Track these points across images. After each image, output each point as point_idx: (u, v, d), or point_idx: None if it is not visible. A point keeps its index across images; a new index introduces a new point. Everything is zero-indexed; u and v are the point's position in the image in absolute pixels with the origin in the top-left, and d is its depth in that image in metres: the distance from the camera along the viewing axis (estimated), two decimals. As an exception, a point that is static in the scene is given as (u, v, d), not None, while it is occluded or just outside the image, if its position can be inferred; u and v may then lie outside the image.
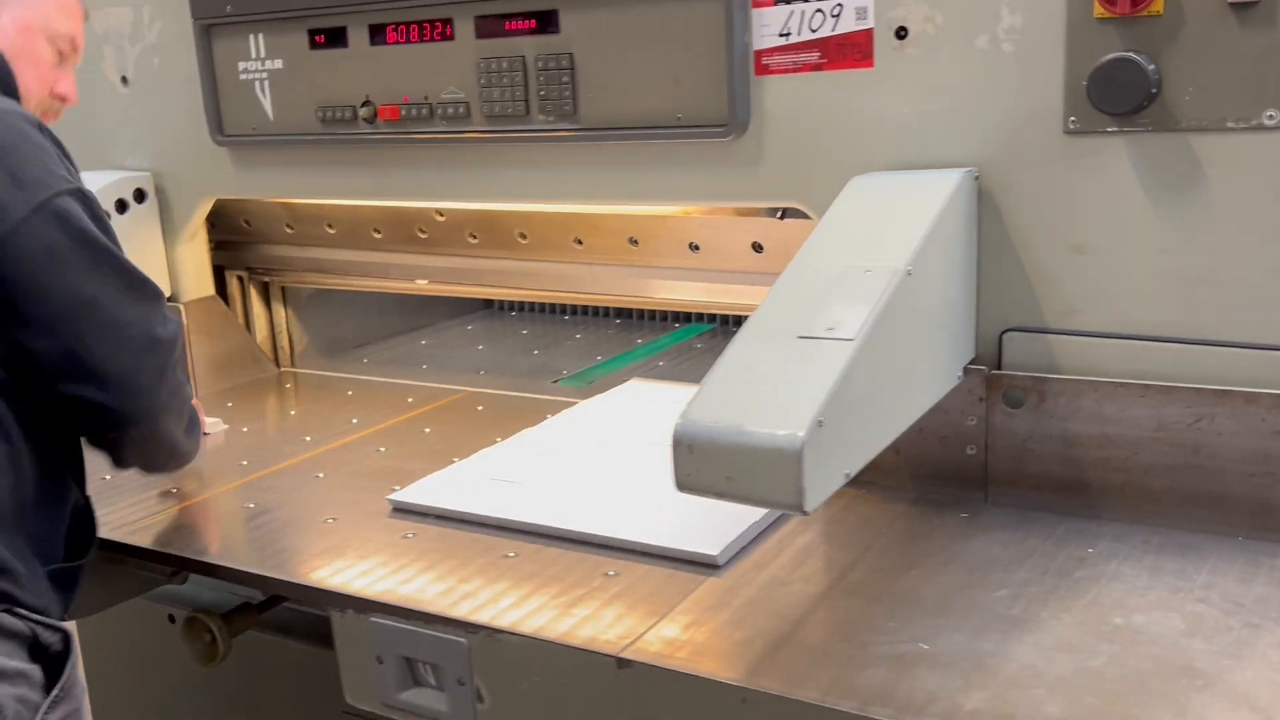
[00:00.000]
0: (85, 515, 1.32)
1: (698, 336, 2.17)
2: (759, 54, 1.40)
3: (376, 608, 1.18)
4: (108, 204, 1.87)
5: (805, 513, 0.95)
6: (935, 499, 1.35)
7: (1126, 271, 1.25)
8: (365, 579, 1.23)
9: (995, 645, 1.03)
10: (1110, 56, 1.19)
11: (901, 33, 1.31)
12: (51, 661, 1.18)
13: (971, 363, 1.33)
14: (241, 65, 1.78)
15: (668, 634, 1.08)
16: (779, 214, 1.52)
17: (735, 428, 0.97)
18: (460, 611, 1.15)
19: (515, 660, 1.11)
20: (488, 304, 2.54)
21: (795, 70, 1.39)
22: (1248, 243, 1.19)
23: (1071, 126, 1.25)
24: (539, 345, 2.22)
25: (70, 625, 1.21)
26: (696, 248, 1.63)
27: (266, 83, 1.77)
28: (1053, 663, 1.00)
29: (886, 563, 1.21)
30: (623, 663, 1.05)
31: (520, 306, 2.50)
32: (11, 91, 1.35)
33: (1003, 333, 1.33)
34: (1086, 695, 0.95)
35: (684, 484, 1.00)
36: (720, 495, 0.98)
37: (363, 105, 1.68)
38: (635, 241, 1.68)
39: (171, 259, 1.97)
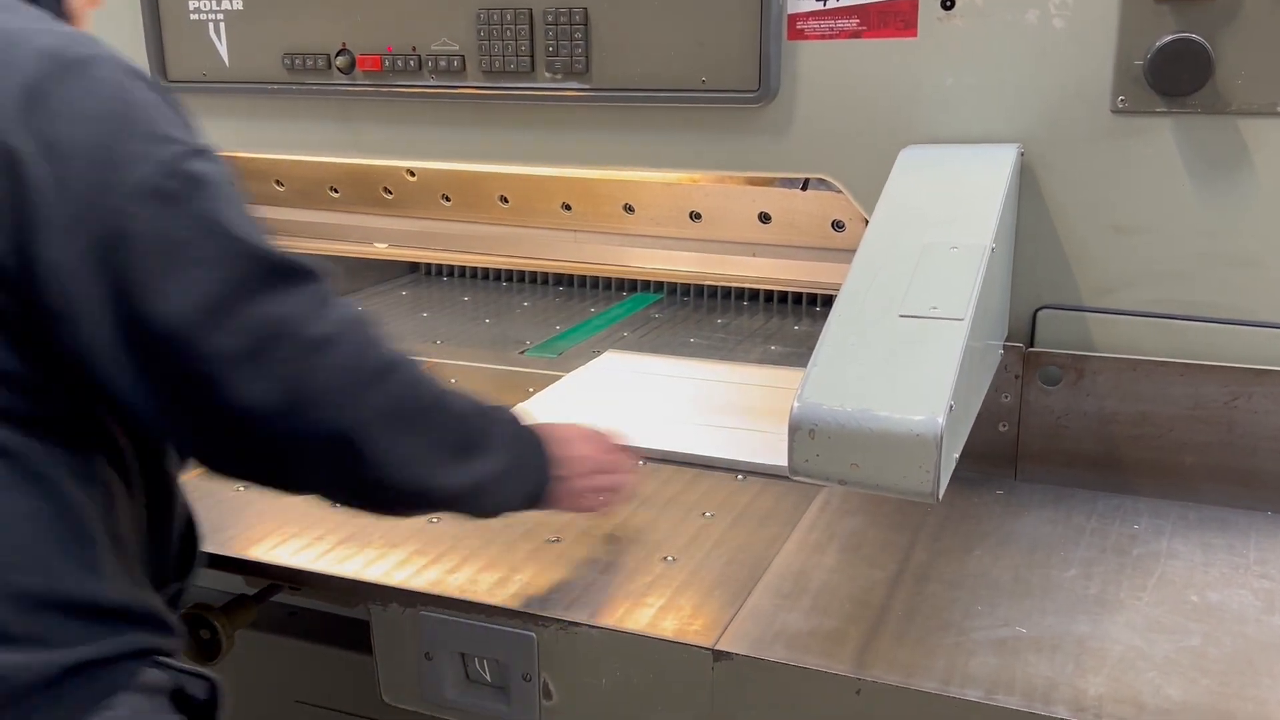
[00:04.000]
0: (189, 524, 1.11)
1: (653, 305, 2.11)
2: (793, 18, 1.35)
3: (427, 600, 1.10)
4: (28, 152, 1.68)
5: (936, 501, 0.92)
6: (966, 476, 1.34)
7: (1167, 252, 1.27)
8: (405, 569, 1.14)
9: (1090, 627, 1.03)
10: (1171, 37, 1.19)
11: (948, 3, 1.29)
12: (198, 713, 1.00)
13: (1006, 340, 1.33)
14: (193, 4, 1.62)
15: (751, 624, 1.04)
16: (802, 185, 1.48)
17: (864, 412, 0.93)
18: (527, 605, 1.08)
19: (591, 655, 1.05)
20: (414, 268, 2.42)
21: (832, 36, 1.34)
22: (1291, 226, 1.22)
23: (1120, 105, 1.25)
24: (486, 314, 2.13)
25: (214, 674, 1.02)
26: (698, 216, 1.58)
27: (222, 24, 1.61)
28: (1153, 644, 1.01)
29: (944, 544, 1.20)
30: (719, 655, 1.00)
31: (451, 271, 2.39)
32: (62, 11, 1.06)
33: (1037, 310, 1.33)
34: (1199, 676, 0.96)
35: (801, 469, 0.95)
36: (842, 482, 0.94)
37: (339, 54, 1.55)
38: (631, 209, 1.61)
39: (96, 215, 1.79)
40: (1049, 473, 1.34)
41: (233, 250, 0.87)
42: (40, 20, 0.94)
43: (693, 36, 1.38)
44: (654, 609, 1.07)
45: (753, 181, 1.50)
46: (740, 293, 1.90)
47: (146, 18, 1.63)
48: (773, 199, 1.49)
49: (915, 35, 1.31)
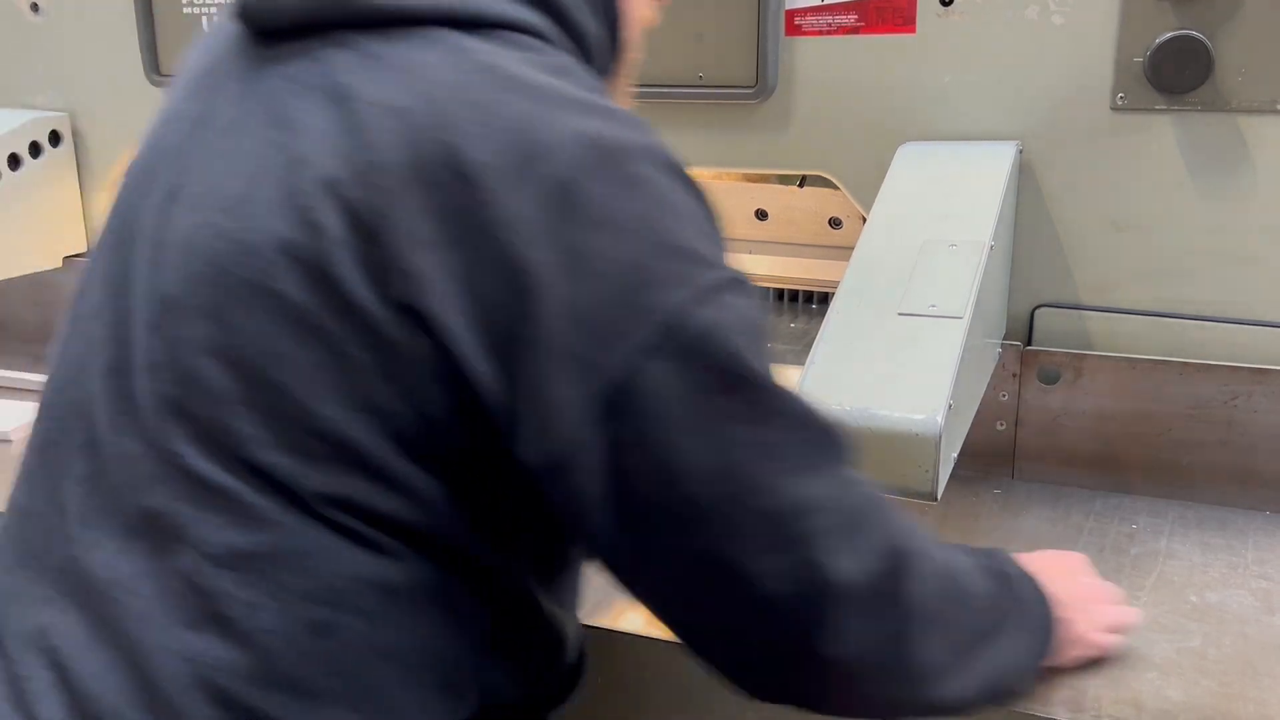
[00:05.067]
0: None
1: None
2: (791, 13, 1.35)
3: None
4: (19, 147, 1.67)
5: (935, 500, 0.91)
6: (962, 474, 1.34)
7: (1166, 250, 1.26)
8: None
9: (1089, 627, 1.03)
10: (1171, 34, 1.19)
11: (947, -1, 1.28)
12: None
13: (1004, 338, 1.32)
14: (186, -2, 1.61)
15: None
16: (799, 182, 1.47)
17: (863, 410, 0.92)
18: (519, 603, 1.07)
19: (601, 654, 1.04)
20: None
21: (830, 32, 1.34)
22: (1291, 224, 1.22)
23: (1120, 103, 1.24)
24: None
25: None
26: (694, 213, 1.57)
27: (215, 18, 1.60)
28: (1153, 645, 1.00)
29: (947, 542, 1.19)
30: (715, 656, 0.99)
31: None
32: (605, 52, 0.86)
33: (1035, 308, 1.32)
34: (1199, 678, 0.95)
35: (799, 468, 0.94)
36: (841, 480, 0.93)
37: (333, 48, 1.54)
38: (627, 205, 1.61)
39: (88, 209, 1.78)
40: (1047, 471, 1.33)
41: (767, 406, 0.70)
42: (578, 83, 0.75)
43: (690, 32, 1.38)
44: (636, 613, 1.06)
45: (749, 178, 1.49)
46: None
47: (139, 12, 1.62)
48: (769, 196, 1.48)
49: (914, 32, 1.30)
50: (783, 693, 0.76)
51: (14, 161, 1.67)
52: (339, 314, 0.70)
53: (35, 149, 1.69)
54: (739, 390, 0.69)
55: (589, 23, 0.83)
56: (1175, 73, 1.19)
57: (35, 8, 1.71)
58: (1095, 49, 1.24)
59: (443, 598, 0.75)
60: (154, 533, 0.73)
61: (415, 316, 0.68)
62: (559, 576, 0.85)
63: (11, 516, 0.82)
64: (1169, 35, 1.19)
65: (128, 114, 1.70)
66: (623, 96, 0.92)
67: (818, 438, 0.72)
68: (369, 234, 0.69)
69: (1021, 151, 1.27)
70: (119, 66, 1.67)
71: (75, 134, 1.74)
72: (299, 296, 0.70)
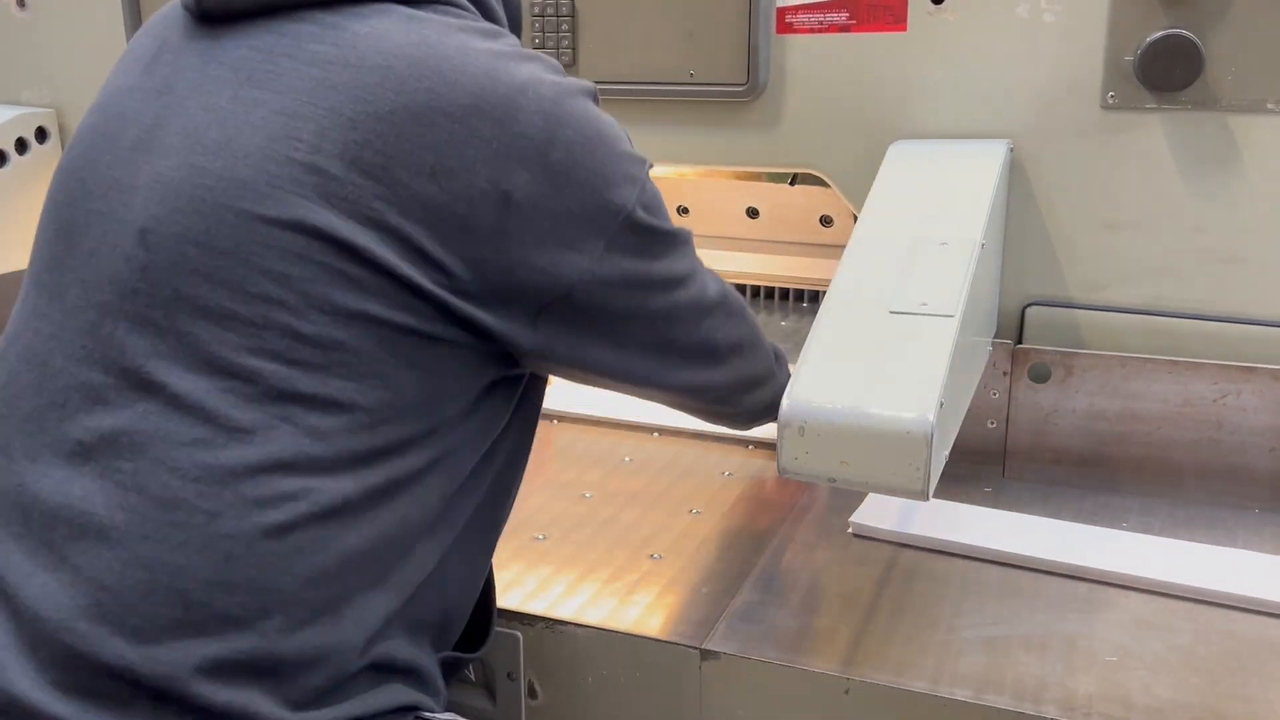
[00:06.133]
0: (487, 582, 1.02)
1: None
2: (781, 11, 1.34)
3: (411, 600, 1.09)
4: (5, 144, 1.66)
5: (926, 499, 0.91)
6: (953, 473, 1.32)
7: (1157, 248, 1.26)
8: (389, 568, 1.13)
9: (1079, 626, 1.03)
10: (1162, 33, 1.19)
11: (938, -3, 1.28)
12: None
13: (995, 336, 1.32)
14: (174, -7, 1.59)
15: (740, 623, 1.03)
16: (790, 180, 1.47)
17: (854, 409, 0.92)
18: (509, 602, 1.07)
19: (577, 654, 1.04)
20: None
21: (821, 30, 1.34)
22: (1280, 223, 1.22)
23: (1110, 101, 1.24)
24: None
25: None
26: (685, 211, 1.56)
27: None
28: (1142, 643, 1.00)
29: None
30: (707, 654, 0.99)
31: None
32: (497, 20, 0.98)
33: (1026, 306, 1.33)
34: (1188, 675, 0.95)
35: (790, 469, 0.94)
36: (832, 481, 0.93)
37: (322, 45, 1.53)
38: (617, 203, 1.60)
39: (75, 207, 1.77)
40: (1037, 470, 1.33)
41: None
42: (508, 42, 0.89)
43: (681, 29, 1.37)
44: (641, 607, 1.06)
45: (740, 176, 1.49)
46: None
47: (125, 7, 1.61)
48: (760, 194, 1.48)
49: (905, 29, 1.30)
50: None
51: (0, 158, 1.66)
52: (329, 239, 0.79)
53: (22, 145, 1.68)
54: (662, 238, 0.93)
55: (496, 5, 0.98)
56: (1165, 71, 1.19)
57: (21, 4, 1.70)
58: (1086, 47, 1.24)
59: (402, 502, 0.83)
60: (107, 455, 0.79)
61: (412, 244, 0.80)
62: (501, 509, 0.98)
63: None
64: (1159, 34, 1.19)
65: (115, 110, 1.69)
66: None
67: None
68: (367, 172, 0.79)
69: (1012, 150, 1.27)
70: (105, 62, 1.64)
71: (62, 130, 1.73)
72: (294, 222, 0.79)
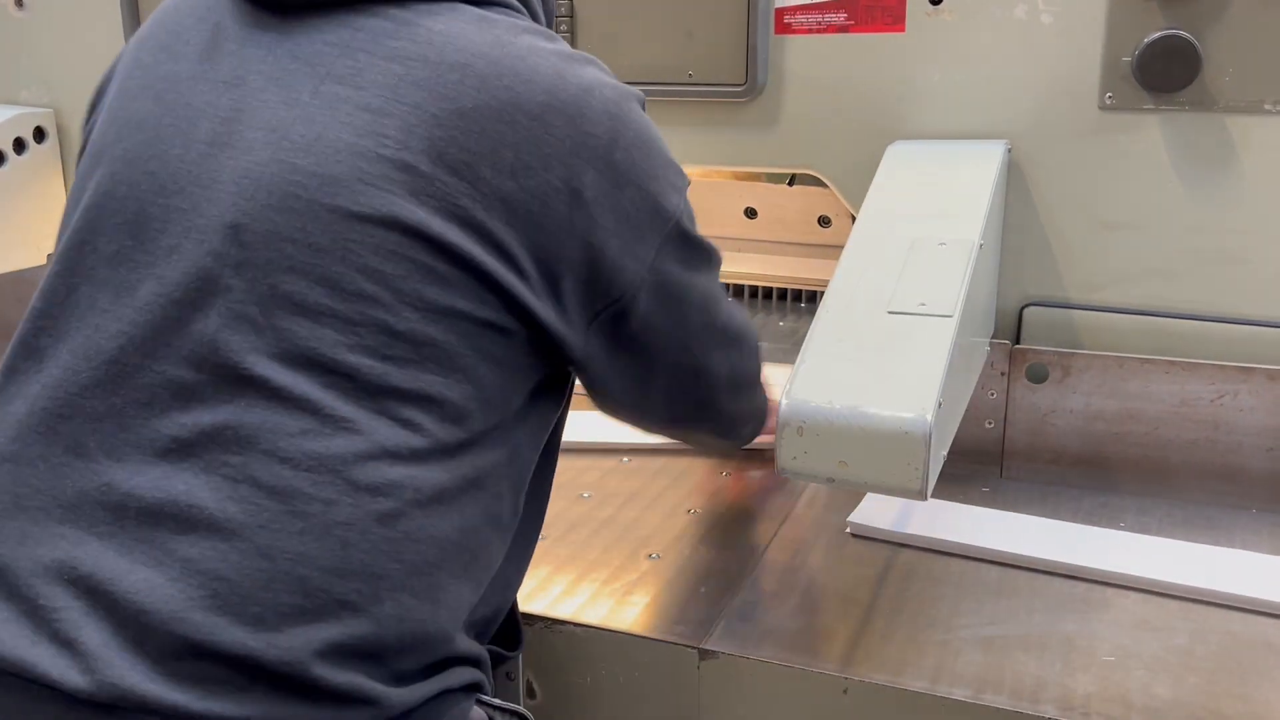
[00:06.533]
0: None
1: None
2: (780, 11, 1.35)
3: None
4: (3, 144, 1.66)
5: (924, 498, 0.92)
6: (951, 473, 1.32)
7: (1154, 249, 1.27)
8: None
9: (1077, 626, 1.03)
10: (1159, 34, 1.19)
11: (936, -2, 1.28)
12: None
13: (993, 337, 1.32)
14: (172, -7, 1.59)
15: (738, 622, 1.04)
16: (789, 180, 1.47)
17: (852, 409, 0.92)
18: (509, 602, 1.07)
19: (575, 654, 1.04)
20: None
21: (820, 31, 1.34)
22: (1278, 223, 1.22)
23: (1108, 102, 1.24)
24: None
25: (526, 711, 0.95)
26: (683, 211, 1.57)
27: None
28: (1140, 642, 1.00)
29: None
30: (705, 654, 0.99)
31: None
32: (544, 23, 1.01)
33: (1023, 307, 1.33)
34: (1186, 675, 0.96)
35: (789, 469, 0.94)
36: (830, 481, 0.94)
37: (321, 45, 1.53)
38: (616, 203, 1.60)
39: (73, 207, 1.77)
40: (1035, 470, 1.34)
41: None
42: (565, 45, 0.91)
43: (680, 30, 1.37)
44: (639, 607, 1.06)
45: (739, 176, 1.49)
46: (726, 288, 1.88)
47: (123, 6, 1.61)
48: (759, 194, 1.48)
49: (903, 30, 1.30)
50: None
51: (-2, 158, 1.66)
52: (418, 235, 0.80)
53: (20, 145, 1.68)
54: (702, 253, 0.97)
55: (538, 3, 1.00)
56: (1163, 72, 1.19)
57: (19, 3, 1.70)
58: (1083, 48, 1.24)
59: (483, 495, 0.85)
60: (212, 450, 0.78)
61: (494, 240, 0.82)
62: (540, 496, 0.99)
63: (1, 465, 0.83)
64: (1157, 35, 1.19)
65: (113, 110, 1.69)
66: None
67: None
68: (450, 167, 0.81)
69: (1010, 150, 1.28)
70: (104, 61, 1.64)
71: (60, 130, 1.73)
72: (384, 219, 0.80)
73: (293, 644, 0.75)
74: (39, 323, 0.87)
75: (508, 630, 1.00)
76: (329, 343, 0.79)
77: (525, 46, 0.86)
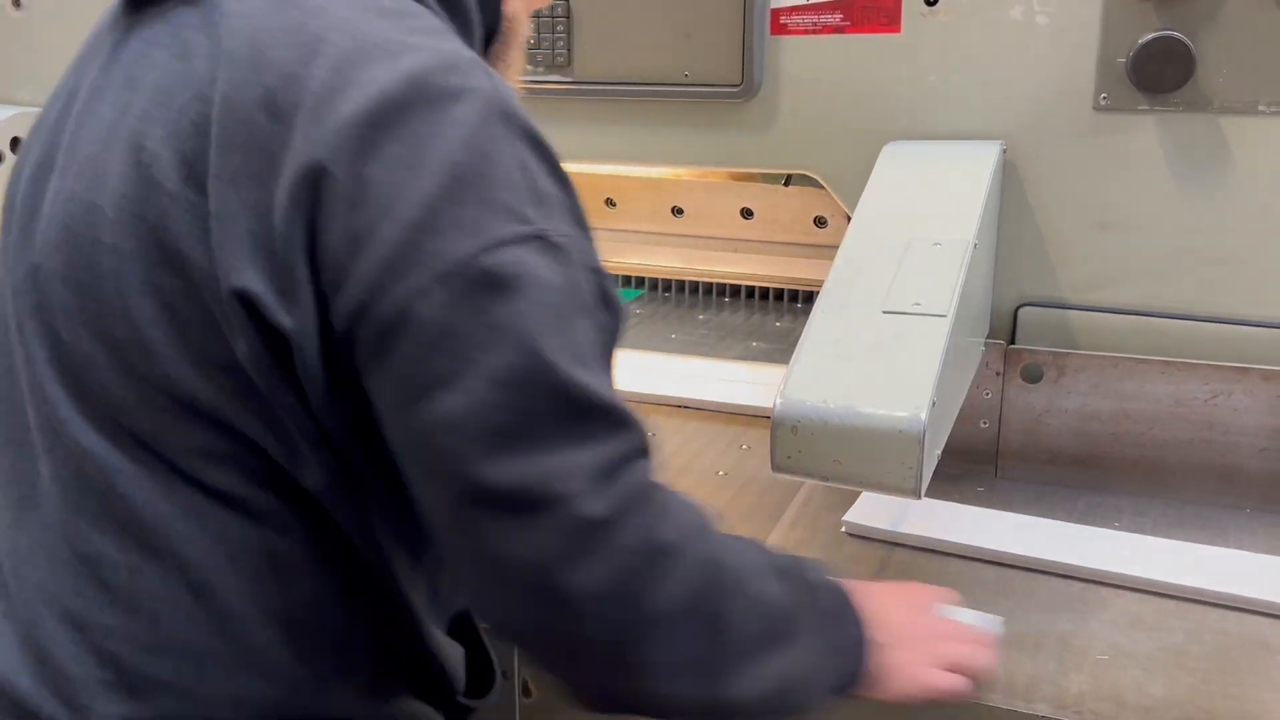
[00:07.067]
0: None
1: (634, 301, 2.11)
2: (776, 12, 1.35)
3: (405, 599, 1.09)
4: (1, 143, 1.66)
5: (919, 498, 0.92)
6: (946, 472, 1.33)
7: (1149, 249, 1.27)
8: (383, 567, 1.13)
9: (1072, 625, 1.03)
10: (1154, 35, 1.19)
11: (931, -1, 1.29)
12: None
13: (988, 337, 1.33)
14: (169, -6, 1.60)
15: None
16: (784, 181, 1.47)
17: (847, 408, 0.92)
18: (504, 601, 1.07)
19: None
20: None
21: (815, 32, 1.34)
22: (1273, 224, 1.22)
23: (1102, 103, 1.25)
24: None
25: None
26: (680, 212, 1.57)
27: None
28: (1135, 641, 1.00)
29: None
30: (700, 653, 0.99)
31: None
32: (467, 24, 0.84)
33: (1019, 307, 1.33)
34: (1180, 674, 0.96)
35: (783, 467, 0.95)
36: (825, 479, 0.94)
37: (318, 45, 1.53)
38: (612, 203, 1.60)
39: (70, 207, 1.77)
40: (1030, 470, 1.34)
41: (532, 374, 0.66)
42: (425, 29, 0.75)
43: (676, 30, 1.38)
44: (635, 606, 1.06)
45: (735, 177, 1.50)
46: (722, 289, 1.89)
47: (122, 7, 1.61)
48: (755, 195, 1.49)
49: (899, 31, 1.30)
50: (539, 658, 0.74)
51: (-5, 158, 1.66)
52: (171, 269, 0.70)
53: (16, 145, 1.68)
54: (501, 349, 0.66)
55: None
56: (1157, 73, 1.20)
57: (17, 3, 1.70)
58: (1078, 49, 1.24)
59: (315, 562, 0.75)
60: (47, 504, 0.75)
61: (217, 264, 0.69)
62: (423, 565, 0.83)
63: None
64: (1151, 36, 1.19)
65: (110, 110, 1.69)
66: (512, 69, 0.92)
67: (582, 416, 0.68)
68: (197, 183, 0.70)
69: (1005, 151, 1.28)
70: (102, 63, 1.65)
71: (57, 130, 1.73)
72: (137, 253, 0.71)
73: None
74: None
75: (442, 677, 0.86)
76: (114, 400, 0.72)
77: (320, 27, 0.71)
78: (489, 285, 0.66)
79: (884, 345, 0.98)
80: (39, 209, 0.77)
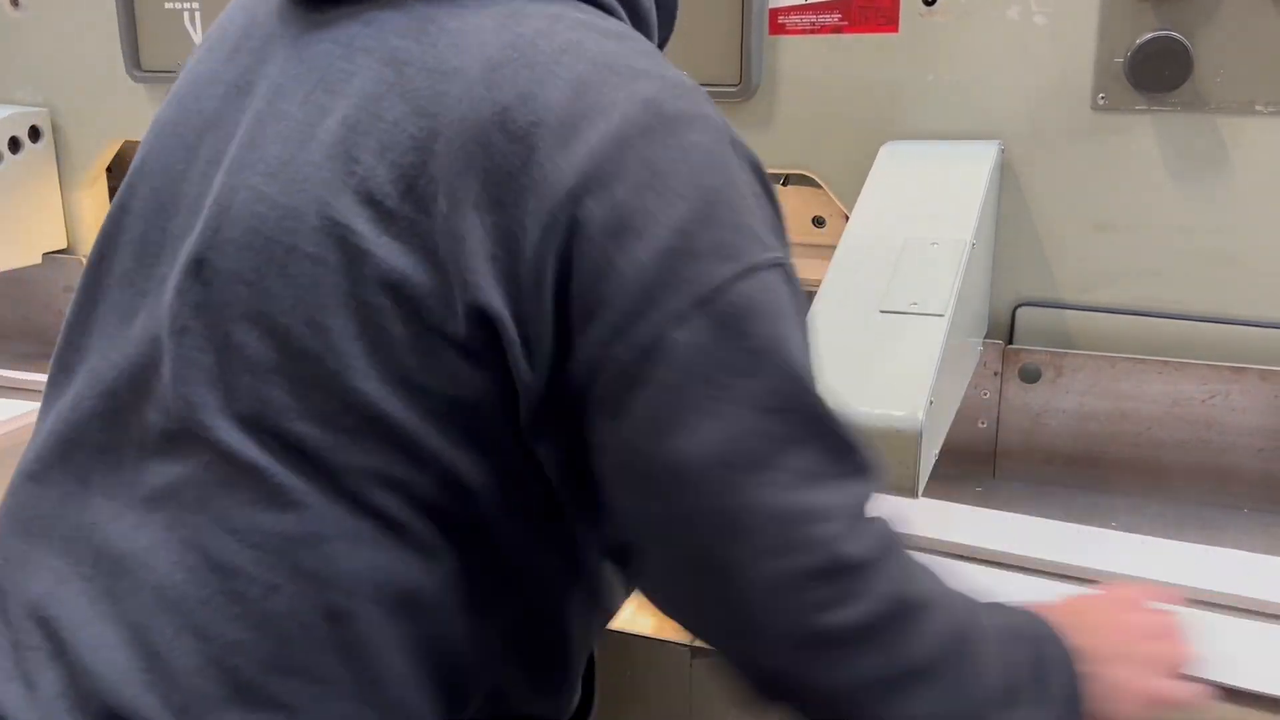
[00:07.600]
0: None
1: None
2: (774, 12, 1.35)
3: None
4: (-1, 142, 1.67)
5: (916, 497, 0.92)
6: (944, 472, 1.33)
7: (1146, 249, 1.27)
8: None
9: (1069, 624, 1.03)
10: (1151, 35, 1.19)
11: (929, -1, 1.29)
12: None
13: (986, 336, 1.33)
14: (168, -7, 1.60)
15: (732, 620, 1.04)
16: (783, 180, 1.47)
17: (844, 407, 0.92)
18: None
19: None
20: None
21: (814, 32, 1.34)
22: (1270, 224, 1.22)
23: (1100, 103, 1.25)
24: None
25: None
26: (678, 211, 1.57)
27: (198, 13, 1.59)
28: (1132, 641, 1.00)
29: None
30: (697, 651, 1.00)
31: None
32: (654, 23, 0.85)
33: (1016, 306, 1.33)
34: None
35: (781, 466, 0.94)
36: (822, 478, 0.94)
37: (316, 45, 1.53)
38: (610, 203, 1.61)
39: (68, 205, 1.77)
40: (1027, 470, 1.34)
41: (793, 401, 0.68)
42: (646, 51, 0.73)
43: (678, 28, 1.37)
44: (630, 606, 1.06)
45: (733, 177, 1.50)
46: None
47: (120, 7, 1.61)
48: (753, 194, 1.49)
49: (896, 31, 1.31)
50: (770, 697, 0.72)
51: (-6, 157, 1.66)
52: (382, 287, 0.67)
53: (15, 145, 1.68)
54: (765, 375, 0.67)
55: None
56: (1155, 73, 1.20)
57: (15, 2, 1.70)
58: (1076, 49, 1.24)
59: (465, 596, 0.72)
60: (175, 506, 0.71)
61: (453, 285, 0.67)
62: (579, 590, 0.81)
63: (23, 482, 0.78)
64: (1149, 36, 1.19)
65: (108, 109, 1.69)
66: None
67: (839, 452, 0.69)
68: (419, 201, 0.67)
69: (1003, 151, 1.28)
70: (100, 61, 1.66)
71: (56, 129, 1.73)
72: (341, 266, 0.68)
73: None
74: (69, 335, 0.81)
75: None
76: (276, 406, 0.68)
77: (553, 48, 0.69)
78: (748, 311, 0.66)
79: (881, 345, 0.98)
80: (205, 205, 0.73)
